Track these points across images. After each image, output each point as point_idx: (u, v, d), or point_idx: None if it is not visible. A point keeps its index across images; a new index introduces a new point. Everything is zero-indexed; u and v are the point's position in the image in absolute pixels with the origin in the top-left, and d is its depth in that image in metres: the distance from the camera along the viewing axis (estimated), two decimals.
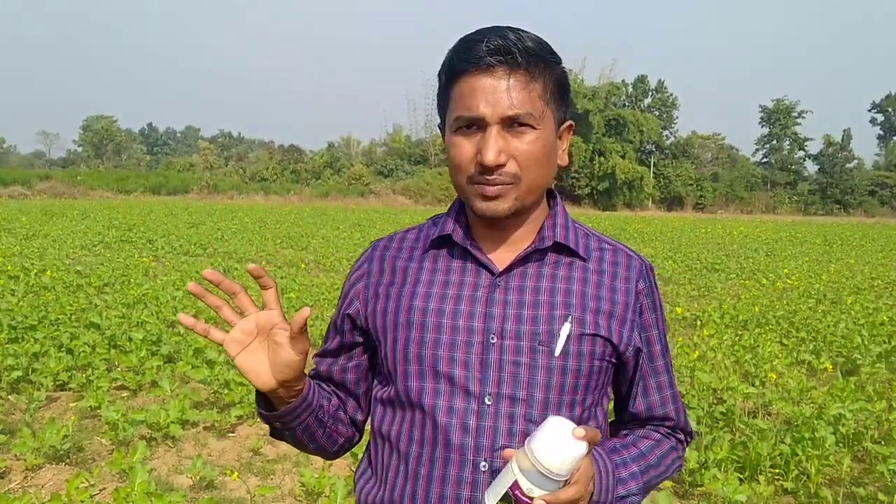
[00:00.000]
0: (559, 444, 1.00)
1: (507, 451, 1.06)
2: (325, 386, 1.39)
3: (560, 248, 1.24)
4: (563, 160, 1.25)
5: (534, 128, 1.14)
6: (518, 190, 1.16)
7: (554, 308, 1.20)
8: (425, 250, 1.30)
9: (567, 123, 1.24)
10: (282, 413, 1.23)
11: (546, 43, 1.17)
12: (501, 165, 1.14)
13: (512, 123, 1.14)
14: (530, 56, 1.13)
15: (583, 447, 1.01)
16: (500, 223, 1.23)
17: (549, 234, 1.24)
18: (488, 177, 1.15)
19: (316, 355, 1.43)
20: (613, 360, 1.25)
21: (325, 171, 53.73)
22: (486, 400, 1.17)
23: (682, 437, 1.36)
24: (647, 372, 1.30)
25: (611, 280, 1.25)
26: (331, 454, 1.40)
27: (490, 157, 1.12)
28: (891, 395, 5.56)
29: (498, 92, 1.12)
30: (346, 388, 1.40)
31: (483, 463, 1.16)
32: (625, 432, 1.35)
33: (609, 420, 1.37)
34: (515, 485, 1.02)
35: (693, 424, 4.66)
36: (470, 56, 1.13)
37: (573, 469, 1.02)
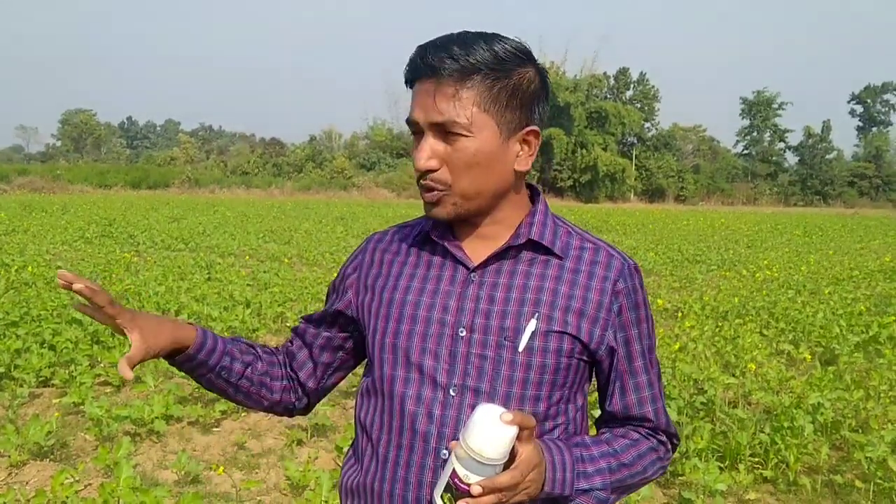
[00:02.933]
0: (487, 429, 1.04)
1: (452, 443, 1.09)
2: (255, 350, 1.45)
3: (537, 246, 1.27)
4: (523, 165, 1.24)
5: (464, 135, 1.17)
6: (453, 196, 1.21)
7: (523, 304, 1.23)
8: (411, 245, 1.35)
9: (529, 129, 1.22)
10: (175, 364, 1.33)
11: (505, 52, 1.17)
12: (432, 170, 1.19)
13: (443, 130, 1.17)
14: (466, 66, 1.15)
15: (512, 431, 1.04)
16: (471, 221, 1.27)
17: (524, 231, 1.27)
18: (423, 181, 1.21)
19: (303, 317, 1.51)
20: (585, 359, 1.26)
21: (307, 164, 53.54)
22: (451, 391, 1.22)
23: (663, 439, 1.35)
24: (624, 371, 1.30)
25: (586, 279, 1.26)
26: (258, 410, 1.49)
27: (419, 161, 1.19)
28: (868, 384, 5.64)
29: (427, 99, 1.17)
30: (311, 351, 1.47)
31: (444, 451, 1.21)
32: (603, 431, 1.35)
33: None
34: (454, 473, 1.06)
35: (674, 415, 4.72)
36: (412, 65, 1.20)
37: (506, 453, 1.05)
